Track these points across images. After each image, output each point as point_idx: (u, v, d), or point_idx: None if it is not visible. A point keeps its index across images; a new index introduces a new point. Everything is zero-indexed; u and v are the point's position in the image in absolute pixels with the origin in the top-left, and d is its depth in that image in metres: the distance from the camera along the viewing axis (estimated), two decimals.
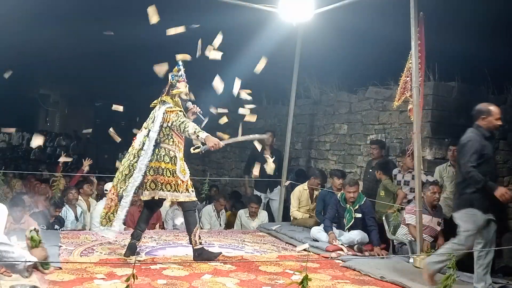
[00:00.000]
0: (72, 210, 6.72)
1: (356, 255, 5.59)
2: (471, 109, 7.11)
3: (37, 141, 5.91)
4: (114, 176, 5.08)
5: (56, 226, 6.32)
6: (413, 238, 5.55)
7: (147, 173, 4.87)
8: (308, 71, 8.57)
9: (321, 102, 8.81)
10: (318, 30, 7.23)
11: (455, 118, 7.00)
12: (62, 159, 7.39)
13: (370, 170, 7.01)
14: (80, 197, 6.97)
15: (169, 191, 4.87)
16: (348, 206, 6.09)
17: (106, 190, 6.71)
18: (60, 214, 6.50)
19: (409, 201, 6.24)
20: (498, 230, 6.88)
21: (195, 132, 4.69)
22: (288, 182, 7.72)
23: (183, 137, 4.99)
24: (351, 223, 6.04)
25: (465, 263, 5.44)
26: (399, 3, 5.61)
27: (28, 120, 23.77)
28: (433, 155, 6.85)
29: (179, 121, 4.82)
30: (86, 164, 7.43)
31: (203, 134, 4.66)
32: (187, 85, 5.12)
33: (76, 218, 6.67)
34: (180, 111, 4.98)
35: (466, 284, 4.65)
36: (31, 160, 15.21)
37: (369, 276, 4.76)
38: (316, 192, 7.29)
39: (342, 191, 6.33)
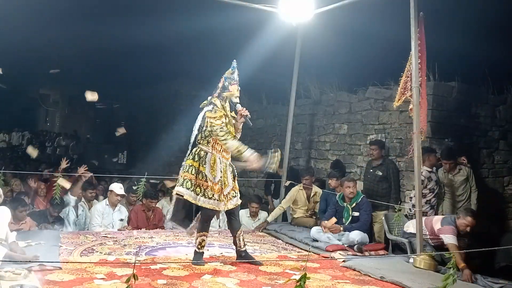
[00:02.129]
0: (74, 210, 6.73)
1: (356, 255, 5.59)
2: (471, 109, 7.19)
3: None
4: (113, 176, 5.08)
5: (56, 226, 6.33)
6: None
7: (181, 170, 4.93)
8: (308, 71, 8.57)
9: (321, 102, 8.81)
10: (318, 30, 7.23)
11: (455, 118, 7.01)
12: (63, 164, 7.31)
13: (371, 170, 7.01)
14: (82, 199, 7.01)
15: (188, 188, 4.79)
16: (345, 204, 6.17)
17: (111, 191, 6.72)
18: (60, 214, 6.50)
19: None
20: (498, 230, 6.93)
21: (237, 148, 4.74)
22: (288, 182, 7.72)
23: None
24: (349, 221, 6.14)
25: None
26: (399, 3, 5.61)
27: (28, 120, 23.80)
28: None
29: (216, 128, 4.78)
30: (82, 170, 7.31)
31: (247, 153, 4.70)
32: (239, 88, 4.95)
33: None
34: (224, 115, 4.88)
35: (466, 284, 4.64)
36: (30, 160, 15.20)
37: (369, 276, 4.75)
38: (312, 192, 7.30)
39: (340, 192, 6.42)
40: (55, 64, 14.67)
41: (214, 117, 4.81)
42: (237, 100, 4.95)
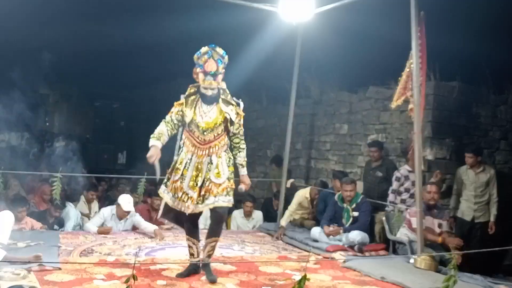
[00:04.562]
0: (75, 211, 6.70)
1: (357, 256, 5.58)
2: (472, 109, 7.18)
3: None
4: (113, 177, 5.05)
5: (56, 226, 6.31)
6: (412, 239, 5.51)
7: None
8: (309, 71, 8.55)
9: (321, 102, 8.80)
10: (318, 30, 7.20)
11: (456, 118, 7.00)
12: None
13: (371, 172, 6.99)
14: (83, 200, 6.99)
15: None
16: (345, 205, 6.14)
17: (118, 204, 6.35)
18: (60, 215, 6.48)
19: None
20: (503, 229, 6.90)
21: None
22: (289, 182, 7.69)
23: (189, 132, 4.70)
24: (349, 222, 6.12)
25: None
26: (399, 3, 5.59)
27: (28, 120, 23.74)
28: (434, 155, 6.83)
29: None
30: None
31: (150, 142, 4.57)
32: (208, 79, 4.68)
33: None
34: (181, 104, 4.82)
35: (466, 284, 4.62)
36: (30, 160, 15.18)
37: (370, 276, 4.74)
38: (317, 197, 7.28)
39: (339, 192, 6.40)
40: (54, 64, 14.65)
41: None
42: (207, 92, 4.53)
